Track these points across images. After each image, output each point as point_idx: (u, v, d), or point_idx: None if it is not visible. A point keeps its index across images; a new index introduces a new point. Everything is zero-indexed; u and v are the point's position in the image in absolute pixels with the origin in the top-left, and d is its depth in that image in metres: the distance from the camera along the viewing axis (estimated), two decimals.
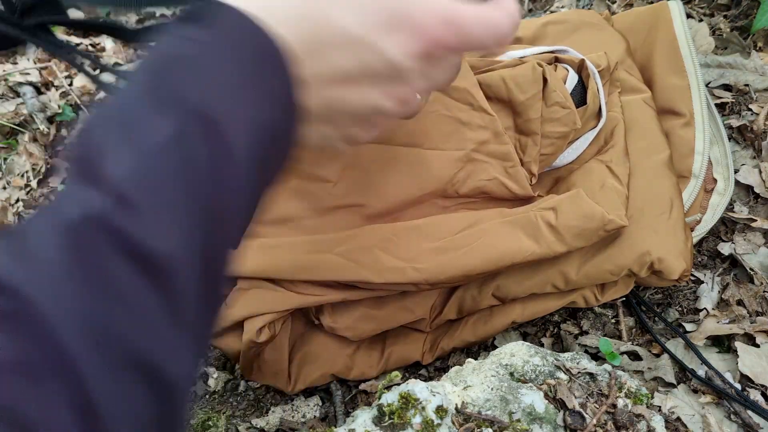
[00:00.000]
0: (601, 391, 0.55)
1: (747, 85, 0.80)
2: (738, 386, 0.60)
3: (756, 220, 0.70)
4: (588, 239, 0.59)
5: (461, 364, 0.59)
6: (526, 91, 0.61)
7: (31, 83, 1.19)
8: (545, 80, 0.62)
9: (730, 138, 0.77)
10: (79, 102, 1.17)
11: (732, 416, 0.58)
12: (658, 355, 0.65)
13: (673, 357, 0.63)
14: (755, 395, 0.59)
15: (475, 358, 0.60)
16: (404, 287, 0.61)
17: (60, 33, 1.25)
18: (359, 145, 0.63)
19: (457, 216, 0.62)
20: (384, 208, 0.62)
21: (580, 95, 0.64)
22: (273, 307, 0.60)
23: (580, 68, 0.65)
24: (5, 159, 1.10)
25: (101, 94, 1.17)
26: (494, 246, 0.59)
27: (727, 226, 0.73)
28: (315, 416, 0.68)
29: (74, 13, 1.20)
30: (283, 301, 0.60)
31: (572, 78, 0.64)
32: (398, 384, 0.52)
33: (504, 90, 0.62)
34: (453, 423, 0.50)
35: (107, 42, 1.24)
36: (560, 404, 0.53)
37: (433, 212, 0.63)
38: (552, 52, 0.67)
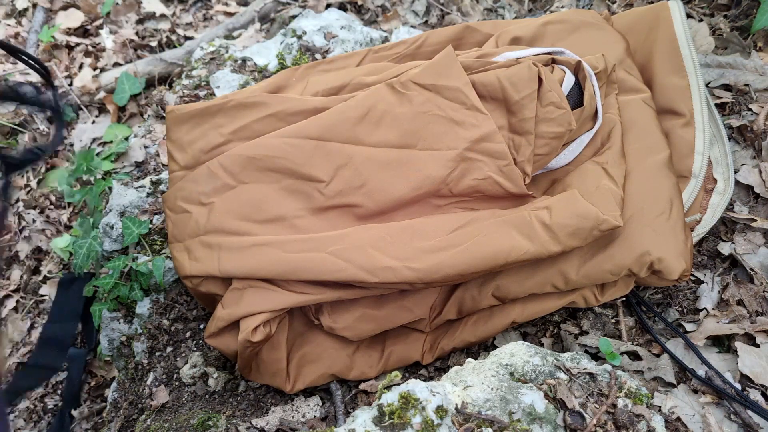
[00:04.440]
0: (601, 391, 0.55)
1: (747, 85, 0.80)
2: (738, 386, 0.60)
3: (756, 220, 0.70)
4: (582, 239, 0.58)
5: (461, 364, 0.59)
6: (521, 90, 0.61)
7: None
8: (540, 80, 0.62)
9: (730, 138, 0.77)
10: (79, 102, 1.17)
11: (732, 416, 0.58)
12: (658, 355, 0.65)
13: (673, 357, 0.63)
14: (755, 395, 0.59)
15: (475, 358, 0.60)
16: (399, 286, 0.61)
17: (60, 33, 1.25)
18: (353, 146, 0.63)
19: (450, 215, 0.62)
20: (378, 208, 0.62)
21: (576, 97, 0.64)
22: (268, 306, 0.60)
23: (577, 70, 0.65)
24: None
25: (101, 95, 1.17)
26: (488, 244, 0.59)
27: (727, 226, 0.73)
28: (315, 416, 0.68)
29: None
30: (278, 300, 0.60)
31: (569, 80, 0.64)
32: (398, 384, 0.52)
33: (499, 89, 0.62)
34: (453, 423, 0.50)
35: (107, 42, 1.24)
36: (560, 404, 0.53)
37: (427, 212, 0.63)
38: (549, 53, 0.67)
